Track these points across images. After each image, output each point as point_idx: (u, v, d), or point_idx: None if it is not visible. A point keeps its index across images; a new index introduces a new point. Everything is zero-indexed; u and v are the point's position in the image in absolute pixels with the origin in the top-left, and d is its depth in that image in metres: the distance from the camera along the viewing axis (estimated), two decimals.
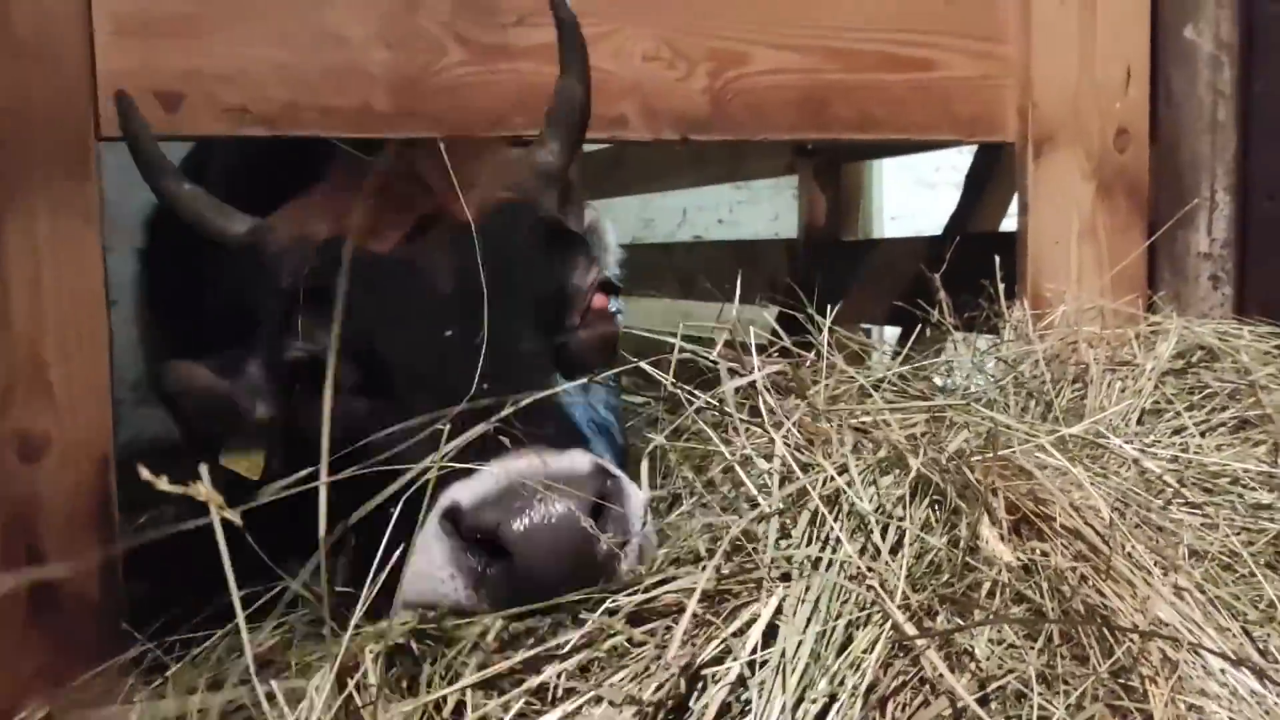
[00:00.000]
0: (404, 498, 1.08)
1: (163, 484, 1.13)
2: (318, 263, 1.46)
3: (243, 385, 1.54)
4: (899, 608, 0.99)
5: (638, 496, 1.20)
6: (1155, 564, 1.17)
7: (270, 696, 0.98)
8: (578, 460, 1.18)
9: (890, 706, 0.91)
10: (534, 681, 1.01)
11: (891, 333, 3.03)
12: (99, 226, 1.48)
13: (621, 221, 6.87)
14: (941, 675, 0.92)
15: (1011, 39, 2.00)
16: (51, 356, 1.45)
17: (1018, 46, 2.00)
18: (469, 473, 1.16)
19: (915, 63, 1.94)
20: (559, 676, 1.00)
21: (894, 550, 1.10)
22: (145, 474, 1.14)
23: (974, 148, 2.97)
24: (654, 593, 1.09)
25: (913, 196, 6.79)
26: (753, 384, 1.38)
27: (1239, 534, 1.42)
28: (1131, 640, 0.98)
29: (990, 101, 2.01)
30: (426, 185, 1.56)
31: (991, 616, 1.02)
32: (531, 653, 1.02)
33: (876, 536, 1.09)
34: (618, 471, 1.21)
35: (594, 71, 1.75)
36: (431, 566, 1.16)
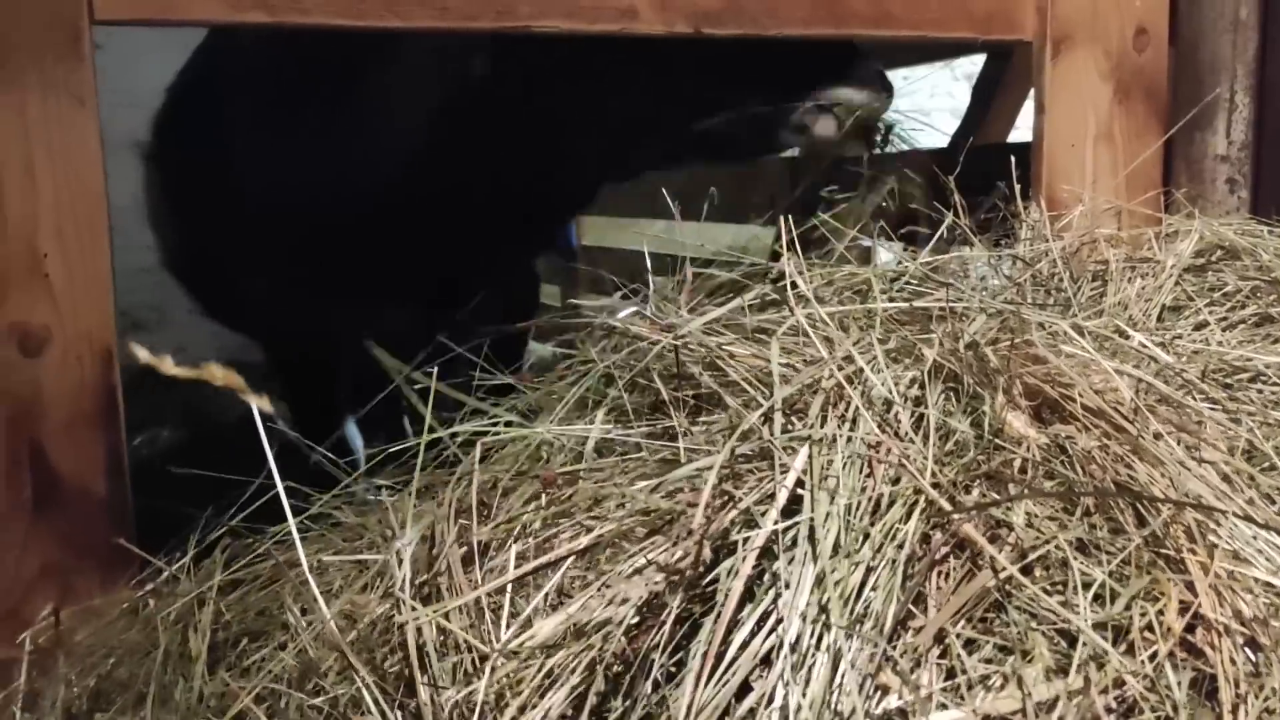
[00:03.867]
0: None
1: (168, 366, 1.10)
2: None
3: None
4: (930, 482, 0.96)
5: None
6: (1180, 443, 1.15)
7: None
8: None
9: (934, 577, 0.89)
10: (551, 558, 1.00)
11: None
12: (94, 111, 1.43)
13: None
14: (982, 547, 0.90)
15: None
16: (48, 246, 1.40)
17: None
18: None
19: None
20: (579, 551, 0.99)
21: (915, 430, 1.08)
22: (144, 354, 1.12)
23: (972, 76, 2.93)
24: (667, 477, 1.07)
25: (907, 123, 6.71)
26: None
27: (1261, 428, 1.41)
28: (1168, 509, 0.97)
29: None
30: None
31: (1027, 490, 1.00)
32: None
33: (898, 413, 1.06)
34: None
35: None
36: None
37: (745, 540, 0.88)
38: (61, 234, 1.41)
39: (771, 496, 0.93)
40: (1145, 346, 1.45)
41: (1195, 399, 1.42)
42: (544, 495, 1.18)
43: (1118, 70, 2.00)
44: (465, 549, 1.06)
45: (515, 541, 1.11)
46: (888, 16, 1.88)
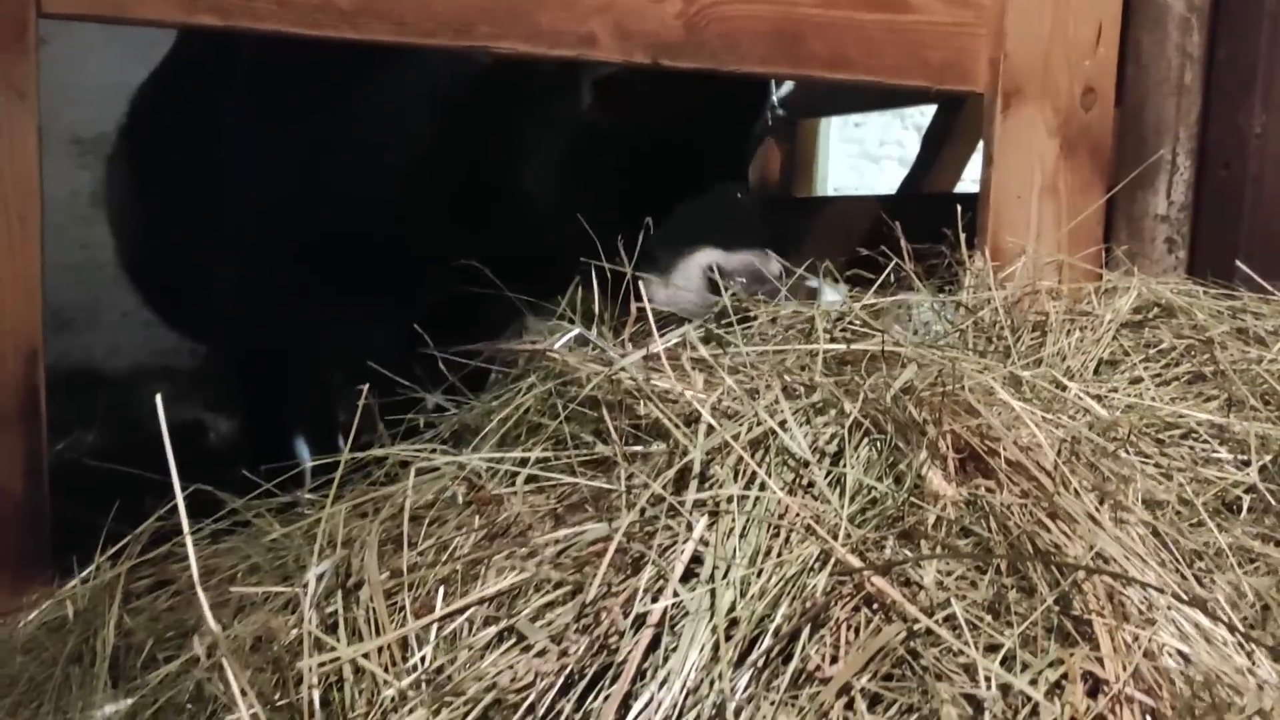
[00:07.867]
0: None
1: None
2: None
3: None
4: (841, 542, 0.96)
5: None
6: (1103, 502, 1.16)
7: None
8: (771, 261, 1.88)
9: (841, 634, 0.89)
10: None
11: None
12: (35, 106, 1.39)
13: None
14: (893, 601, 0.90)
15: None
16: None
17: None
18: (722, 245, 1.87)
19: (891, 3, 1.91)
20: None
21: (832, 487, 1.08)
22: None
23: (921, 127, 2.98)
24: (573, 540, 1.06)
25: (856, 170, 6.81)
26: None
27: (1190, 484, 1.43)
28: (1077, 576, 0.97)
29: (963, 49, 1.99)
30: None
31: (939, 550, 1.00)
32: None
33: (814, 472, 1.06)
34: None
35: None
36: (691, 290, 1.85)
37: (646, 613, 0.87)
38: None
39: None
40: (1081, 398, 1.47)
41: (1128, 453, 1.44)
42: (479, 516, 1.17)
43: (1065, 126, 2.04)
44: (388, 575, 1.04)
45: (443, 565, 1.10)
46: (845, 60, 1.90)
